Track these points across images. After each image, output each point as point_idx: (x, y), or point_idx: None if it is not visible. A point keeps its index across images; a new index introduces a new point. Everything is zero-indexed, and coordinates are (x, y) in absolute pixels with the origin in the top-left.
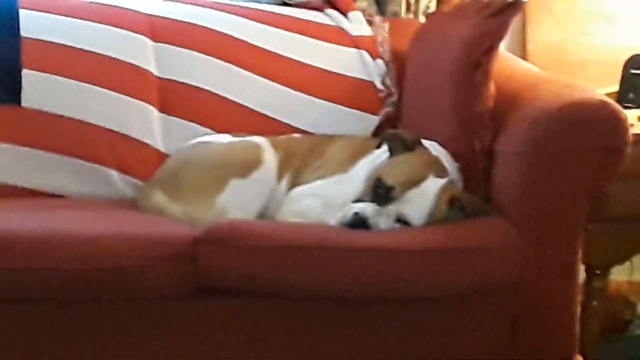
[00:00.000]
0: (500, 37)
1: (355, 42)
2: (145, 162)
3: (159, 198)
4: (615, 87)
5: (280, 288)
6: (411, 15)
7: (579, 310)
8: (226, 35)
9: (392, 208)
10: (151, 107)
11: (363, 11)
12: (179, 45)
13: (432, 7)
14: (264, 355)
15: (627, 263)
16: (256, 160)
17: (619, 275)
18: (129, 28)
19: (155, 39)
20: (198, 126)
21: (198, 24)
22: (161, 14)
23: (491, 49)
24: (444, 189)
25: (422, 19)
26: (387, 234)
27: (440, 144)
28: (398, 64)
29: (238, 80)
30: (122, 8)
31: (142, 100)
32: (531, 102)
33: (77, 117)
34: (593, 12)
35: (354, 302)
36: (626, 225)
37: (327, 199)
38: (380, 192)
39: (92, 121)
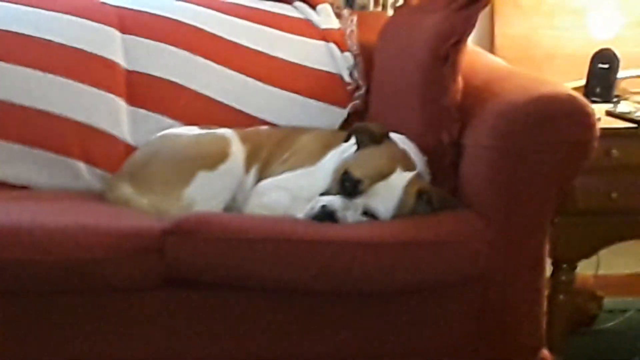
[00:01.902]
0: (468, 31)
1: (324, 35)
2: (112, 154)
3: (127, 190)
4: (583, 81)
5: (248, 280)
6: (379, 8)
7: (545, 303)
8: (195, 27)
9: (360, 201)
10: (119, 99)
11: (331, 4)
12: (147, 38)
13: (400, 0)
14: (232, 347)
15: (594, 257)
16: (223, 152)
17: (585, 269)
18: (97, 20)
19: (124, 31)
20: (166, 118)
21: (167, 16)
22: (130, 6)
23: (459, 42)
24: (411, 182)
25: (390, 12)
26: (355, 227)
27: (408, 137)
28: (366, 57)
29: (206, 72)
30: (91, 0)
31: (110, 92)
32: (499, 96)
33: (45, 109)
34: (561, 5)
35: (320, 294)
36: (593, 218)
37: (294, 192)
38: (347, 185)
39: (60, 113)
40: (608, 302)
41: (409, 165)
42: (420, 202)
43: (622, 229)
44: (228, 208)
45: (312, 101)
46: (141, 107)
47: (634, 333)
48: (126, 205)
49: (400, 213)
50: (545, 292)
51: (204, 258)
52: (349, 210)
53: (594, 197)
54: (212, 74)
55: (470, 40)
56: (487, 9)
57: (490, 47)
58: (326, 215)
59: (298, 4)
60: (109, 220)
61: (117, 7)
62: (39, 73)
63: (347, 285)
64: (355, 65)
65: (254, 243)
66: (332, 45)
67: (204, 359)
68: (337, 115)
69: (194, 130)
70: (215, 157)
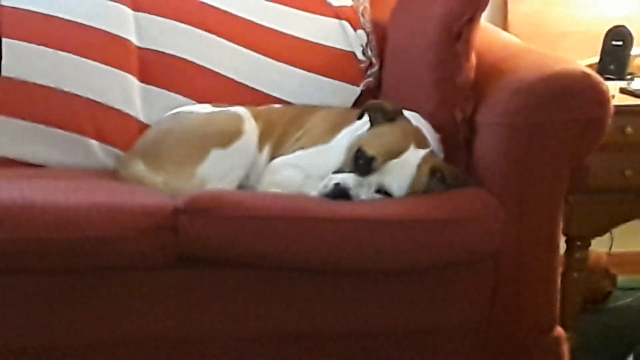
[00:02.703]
0: (481, 8)
1: (337, 13)
2: (125, 132)
3: (139, 168)
4: (596, 59)
5: (261, 258)
6: None
7: (559, 281)
8: (207, 4)
9: (373, 179)
10: (131, 77)
11: None
12: (159, 15)
13: None
14: (245, 325)
15: (607, 235)
16: (237, 130)
17: (599, 246)
18: None
19: (136, 8)
20: (178, 96)
21: None
22: None
23: (472, 19)
24: (425, 160)
25: None
26: (368, 205)
27: (422, 115)
28: (379, 35)
29: (219, 50)
30: None
31: (122, 69)
32: (512, 73)
33: (57, 87)
34: None
35: (334, 272)
36: (606, 196)
37: (307, 170)
38: (361, 162)
39: (72, 91)
40: (622, 279)
41: (422, 143)
42: (433, 179)
43: (636, 207)
44: (241, 186)
45: (325, 79)
46: (154, 85)
47: None
48: (139, 183)
49: (413, 191)
50: (559, 270)
51: (216, 236)
52: (362, 188)
53: (607, 174)
54: (225, 52)
55: (484, 17)
56: None
57: (504, 24)
58: (340, 192)
59: None
60: (122, 198)
61: None
62: (51, 51)
63: (360, 263)
64: (368, 42)
65: (267, 221)
66: (345, 23)
67: (217, 337)
68: (350, 93)
69: (206, 108)
70: (228, 135)
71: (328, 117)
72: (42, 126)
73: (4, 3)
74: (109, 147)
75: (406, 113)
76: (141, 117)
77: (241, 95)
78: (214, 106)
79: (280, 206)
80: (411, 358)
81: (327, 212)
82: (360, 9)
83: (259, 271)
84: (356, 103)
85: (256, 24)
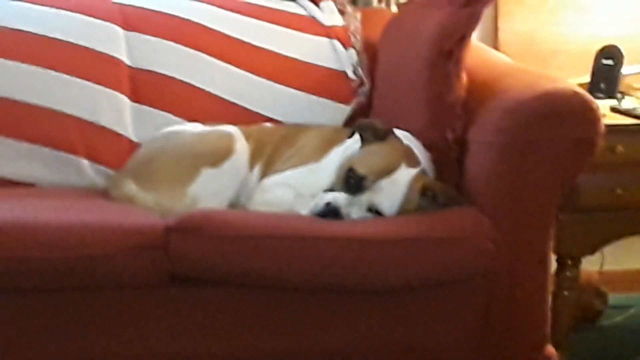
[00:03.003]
0: (472, 27)
1: (328, 32)
2: (116, 151)
3: (131, 187)
4: (587, 78)
5: (252, 277)
6: (383, 5)
7: (550, 300)
8: (198, 24)
9: (364, 198)
10: (123, 96)
11: (335, 1)
12: (150, 34)
13: None
14: (236, 344)
15: (598, 253)
16: (228, 149)
17: (590, 265)
18: (100, 17)
19: (127, 27)
20: (170, 115)
21: (170, 13)
22: (133, 3)
23: (463, 38)
24: (416, 179)
25: (394, 9)
26: (359, 224)
27: (413, 134)
28: (370, 54)
29: (210, 69)
30: None
31: (113, 89)
32: (503, 92)
33: (48, 106)
34: (564, 2)
35: (325, 291)
36: (597, 215)
37: (298, 189)
38: (352, 181)
39: (64, 110)
40: (613, 298)
41: (413, 162)
42: (424, 198)
43: (627, 225)
44: (232, 205)
45: (316, 98)
46: (145, 104)
47: (639, 329)
48: (130, 202)
49: (404, 209)
50: (550, 288)
51: (208, 255)
52: (353, 207)
53: (598, 193)
54: (216, 71)
55: (474, 36)
56: (491, 6)
57: (494, 43)
58: (331, 211)
59: (302, 0)
60: (113, 217)
61: (121, 4)
62: (43, 70)
63: (351, 282)
64: (359, 61)
65: (258, 240)
66: (336, 42)
67: (208, 357)
68: (341, 111)
69: (197, 127)
70: (219, 154)
71: (319, 136)
72: (33, 145)
73: None
74: (100, 167)
75: (397, 132)
76: (132, 137)
77: (232, 114)
78: (205, 125)
79: (272, 225)
80: None
81: (318, 231)
82: (352, 28)
83: (250, 290)
84: (347, 122)
85: (247, 43)
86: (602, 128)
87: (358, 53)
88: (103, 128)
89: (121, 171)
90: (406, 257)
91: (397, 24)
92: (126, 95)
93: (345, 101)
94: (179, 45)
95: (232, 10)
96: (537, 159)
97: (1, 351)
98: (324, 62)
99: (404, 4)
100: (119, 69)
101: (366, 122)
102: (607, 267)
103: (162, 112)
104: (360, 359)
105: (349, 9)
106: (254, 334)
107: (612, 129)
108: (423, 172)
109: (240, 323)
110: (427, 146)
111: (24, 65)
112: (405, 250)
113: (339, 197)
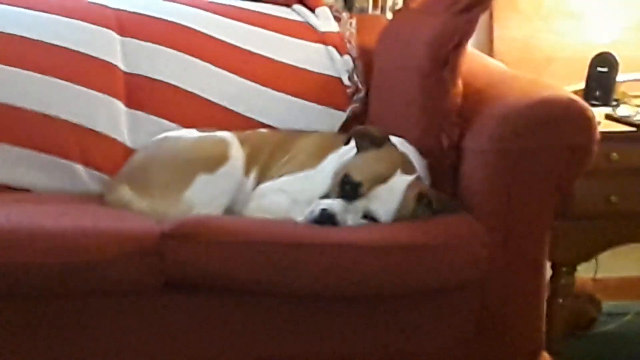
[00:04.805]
0: (468, 34)
1: (323, 38)
2: (111, 157)
3: (126, 193)
4: (582, 85)
5: (247, 284)
6: (378, 12)
7: (545, 307)
8: (193, 30)
9: (360, 204)
10: (118, 102)
11: (330, 7)
12: (146, 40)
13: (400, 3)
14: (231, 351)
15: (593, 261)
16: (223, 155)
17: (584, 272)
18: (96, 22)
19: (123, 33)
20: (165, 121)
21: (165, 19)
22: (128, 9)
23: (459, 45)
24: (411, 186)
25: (389, 16)
26: (355, 230)
27: (408, 141)
28: (365, 60)
29: (205, 75)
30: (89, 2)
31: (108, 94)
32: (499, 99)
33: (44, 111)
34: (559, 9)
35: (320, 298)
36: (592, 222)
37: (294, 195)
38: (347, 188)
39: (59, 115)
40: (607, 305)
41: (409, 169)
42: (420, 205)
43: (622, 233)
44: (228, 211)
45: (311, 104)
46: (140, 110)
47: (633, 336)
48: (125, 208)
49: (400, 216)
50: (545, 296)
51: (203, 261)
52: (349, 214)
53: (593, 200)
54: (212, 77)
55: (470, 43)
56: (486, 13)
57: (489, 51)
58: (326, 218)
59: (297, 7)
60: (108, 223)
61: (116, 9)
62: (38, 75)
63: (346, 289)
64: (355, 68)
65: (254, 246)
66: (332, 49)
67: None
68: (336, 118)
69: (193, 133)
70: (214, 160)
71: (314, 142)
72: (28, 151)
73: None
74: (96, 172)
75: (393, 139)
76: (127, 142)
77: (227, 120)
78: (200, 131)
79: (267, 231)
80: None
81: (313, 237)
82: (347, 34)
83: (246, 296)
84: (342, 128)
85: (243, 49)
86: (597, 135)
87: (353, 59)
88: (98, 133)
89: (116, 177)
90: (401, 264)
91: (393, 30)
92: (121, 101)
93: (340, 107)
94: (174, 51)
95: (227, 16)
96: (533, 166)
97: None
98: (319, 68)
99: (399, 10)
100: (114, 74)
101: (362, 128)
102: (602, 275)
103: (157, 118)
104: None
105: (344, 15)
106: (249, 341)
107: (607, 136)
108: (419, 179)
109: (235, 329)
110: (423, 153)
111: (19, 71)
112: (401, 257)
113: (335, 204)
